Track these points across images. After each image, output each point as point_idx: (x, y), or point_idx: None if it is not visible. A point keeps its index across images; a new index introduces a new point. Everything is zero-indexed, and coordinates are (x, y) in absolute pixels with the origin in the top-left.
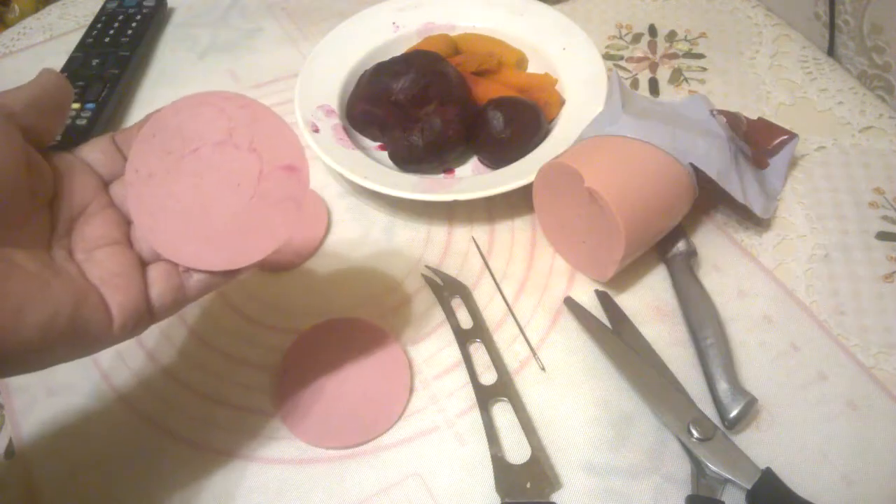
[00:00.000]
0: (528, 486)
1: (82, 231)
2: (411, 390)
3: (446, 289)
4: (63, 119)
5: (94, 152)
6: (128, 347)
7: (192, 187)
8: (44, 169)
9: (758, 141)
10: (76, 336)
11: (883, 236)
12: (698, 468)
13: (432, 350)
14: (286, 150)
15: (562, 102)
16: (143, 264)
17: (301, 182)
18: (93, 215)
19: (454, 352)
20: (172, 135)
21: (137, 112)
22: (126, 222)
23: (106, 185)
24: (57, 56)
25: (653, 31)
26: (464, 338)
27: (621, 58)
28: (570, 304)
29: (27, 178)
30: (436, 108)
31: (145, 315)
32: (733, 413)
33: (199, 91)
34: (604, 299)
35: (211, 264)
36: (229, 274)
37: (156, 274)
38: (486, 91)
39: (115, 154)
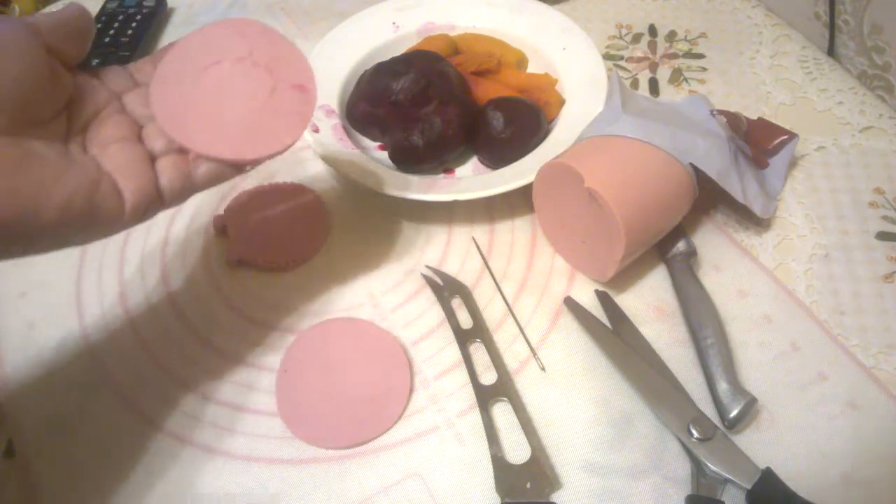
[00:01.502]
0: (528, 486)
1: (96, 130)
2: (411, 390)
3: (446, 289)
4: (85, 44)
5: (109, 73)
6: (128, 346)
7: (211, 91)
8: (65, 78)
9: (758, 141)
10: (92, 218)
11: (883, 236)
12: (698, 468)
13: (432, 350)
14: (298, 72)
15: (562, 102)
16: (154, 158)
17: (308, 101)
18: (106, 118)
19: (454, 352)
20: (199, 49)
21: None
22: (137, 125)
23: (119, 97)
24: None
25: (653, 31)
26: (464, 338)
27: (621, 58)
28: (570, 304)
29: (50, 84)
30: (436, 108)
31: (155, 200)
32: (733, 413)
33: (209, 23)
34: (604, 299)
35: (220, 153)
36: (234, 165)
37: (165, 164)
38: (486, 91)
39: (129, 78)
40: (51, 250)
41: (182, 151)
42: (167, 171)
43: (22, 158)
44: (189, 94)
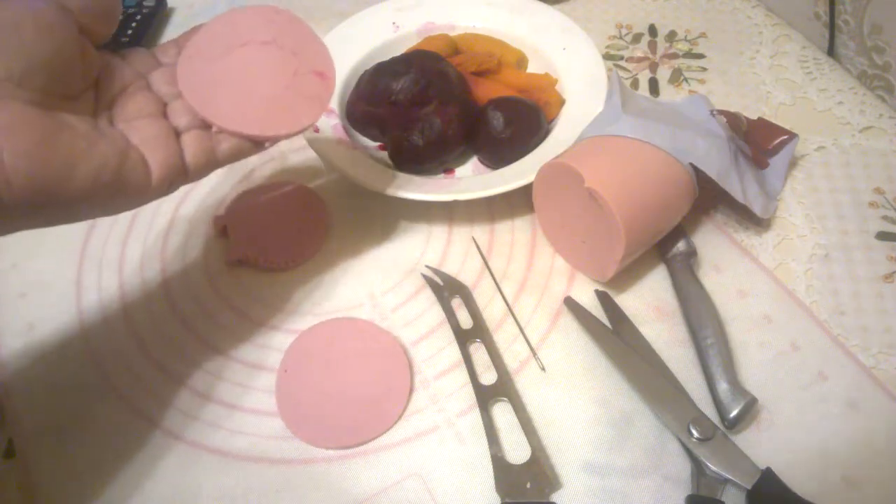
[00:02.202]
0: (528, 486)
1: (123, 106)
2: (411, 390)
3: (446, 289)
4: (112, 24)
5: (134, 54)
6: (128, 347)
7: (237, 71)
8: (94, 55)
9: (758, 141)
10: (121, 188)
11: (883, 236)
12: (698, 468)
13: (432, 350)
14: (320, 59)
15: (562, 102)
16: (178, 134)
17: (327, 86)
18: (132, 95)
19: (454, 352)
20: (226, 31)
21: None
22: (162, 102)
23: (144, 76)
24: None
25: (653, 31)
26: (464, 338)
27: (621, 58)
28: (570, 304)
29: (80, 61)
30: (436, 108)
31: (181, 173)
32: (733, 413)
33: (237, 7)
34: (604, 299)
35: (243, 128)
36: (256, 141)
37: (190, 139)
38: (486, 91)
39: (153, 58)
40: (76, 220)
41: (206, 127)
42: (192, 146)
43: (55, 129)
44: (216, 72)
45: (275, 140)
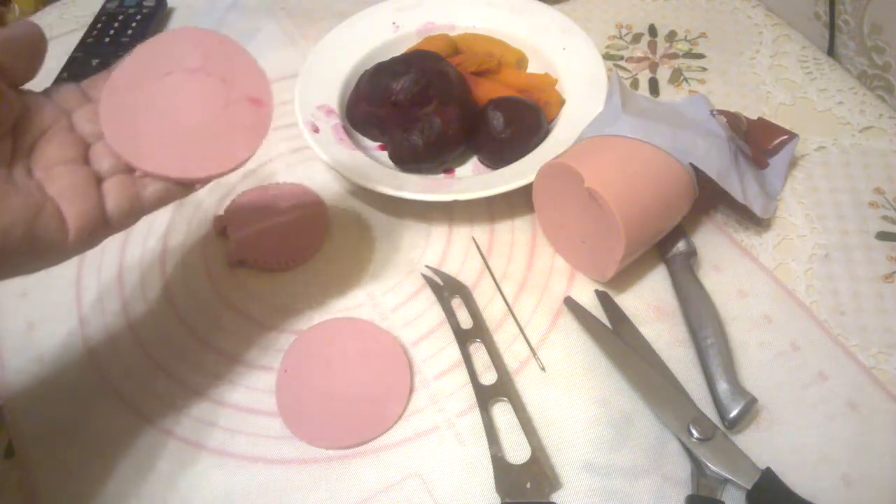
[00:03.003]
0: (528, 486)
1: (42, 150)
2: (411, 390)
3: (446, 289)
4: (37, 63)
5: (59, 90)
6: (128, 347)
7: (161, 104)
8: (11, 99)
9: (758, 141)
10: (33, 246)
11: (883, 236)
12: (698, 468)
13: (432, 350)
14: (255, 85)
15: (562, 102)
16: (100, 180)
17: (263, 115)
18: (52, 137)
19: (454, 352)
20: (151, 58)
21: None
22: (84, 144)
23: (68, 115)
24: (57, 56)
25: (653, 31)
26: (464, 338)
27: (621, 58)
28: (570, 304)
29: None
30: (436, 108)
31: (101, 225)
32: (733, 413)
33: (166, 31)
34: (604, 299)
35: (167, 171)
36: (184, 184)
37: (112, 185)
38: (486, 91)
39: (80, 94)
40: None
41: (130, 171)
42: (113, 194)
43: None
44: (138, 107)
45: (205, 181)
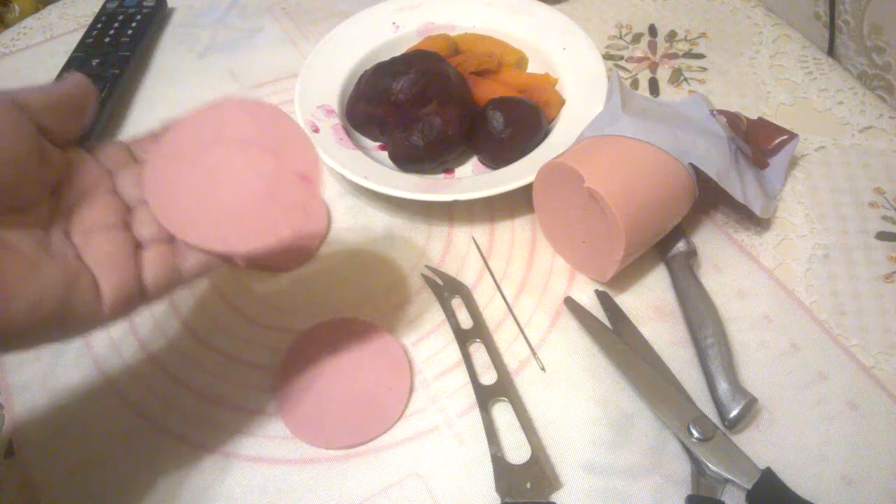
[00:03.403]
0: (528, 486)
1: (83, 214)
2: (411, 390)
3: (446, 289)
4: (83, 121)
5: (105, 148)
6: (128, 347)
7: (209, 175)
8: (54, 160)
9: (758, 141)
10: (65, 317)
11: (883, 236)
12: (698, 468)
13: (432, 350)
14: (304, 161)
15: (562, 102)
16: (140, 248)
17: (312, 192)
18: (94, 200)
19: (454, 352)
20: (201, 126)
21: (137, 112)
22: (126, 209)
23: (111, 176)
24: (57, 56)
25: (653, 31)
26: (464, 338)
27: (621, 58)
28: (570, 304)
29: (37, 170)
30: (436, 108)
31: (137, 296)
32: (733, 413)
33: (220, 97)
34: (604, 299)
35: (209, 244)
36: (225, 258)
37: (152, 255)
38: (486, 91)
39: (126, 153)
40: (16, 350)
41: (172, 240)
42: (153, 264)
43: None
44: (184, 175)
45: (247, 257)
